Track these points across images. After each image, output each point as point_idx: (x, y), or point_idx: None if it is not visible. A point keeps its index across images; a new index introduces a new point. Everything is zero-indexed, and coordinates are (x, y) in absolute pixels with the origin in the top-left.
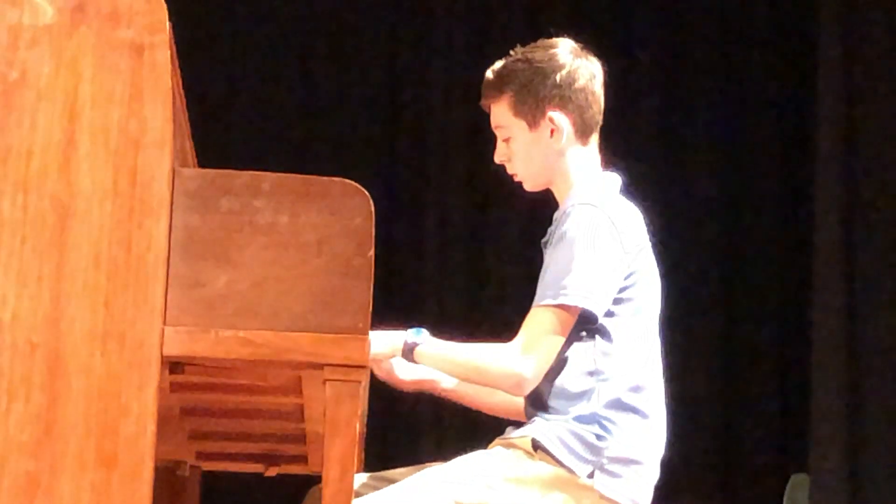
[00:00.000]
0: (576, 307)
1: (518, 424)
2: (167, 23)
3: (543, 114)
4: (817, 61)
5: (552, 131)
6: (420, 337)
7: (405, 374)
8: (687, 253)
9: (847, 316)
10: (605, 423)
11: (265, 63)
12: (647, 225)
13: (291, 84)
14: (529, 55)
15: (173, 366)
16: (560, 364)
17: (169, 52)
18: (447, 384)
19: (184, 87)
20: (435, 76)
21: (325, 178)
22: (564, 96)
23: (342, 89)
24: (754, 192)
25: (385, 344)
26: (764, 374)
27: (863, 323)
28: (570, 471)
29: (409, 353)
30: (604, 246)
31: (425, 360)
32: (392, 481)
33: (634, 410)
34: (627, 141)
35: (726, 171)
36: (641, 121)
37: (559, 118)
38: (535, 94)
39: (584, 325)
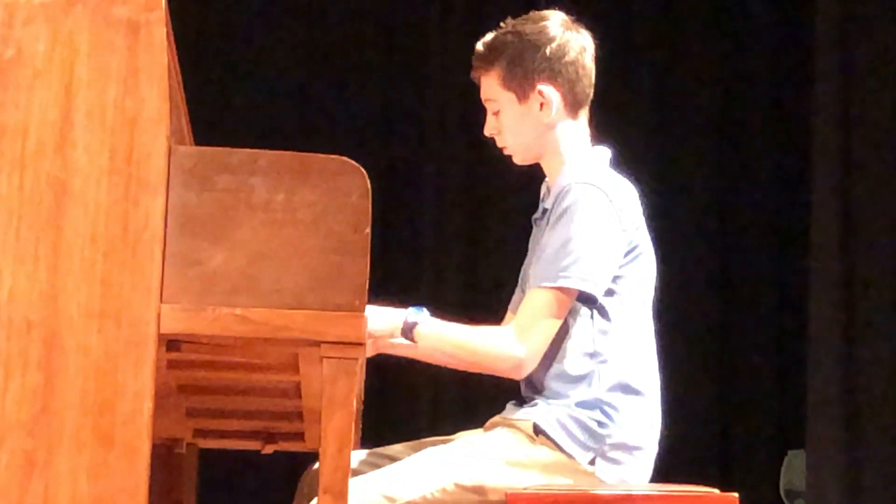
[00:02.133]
0: (574, 290)
1: (518, 401)
2: (163, 0)
3: (533, 87)
4: (815, 46)
5: (542, 105)
6: (420, 316)
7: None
8: (683, 236)
9: (844, 292)
10: (606, 408)
11: (263, 41)
12: (643, 200)
13: (289, 61)
14: (520, 28)
15: (170, 343)
16: (558, 345)
17: (165, 30)
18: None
19: (180, 65)
20: (433, 51)
21: (322, 156)
22: (554, 69)
23: (341, 65)
24: (751, 180)
25: (384, 321)
26: (760, 350)
27: (860, 300)
28: (571, 457)
29: (408, 331)
30: (603, 225)
31: (424, 339)
32: (392, 458)
33: (635, 392)
34: (621, 129)
35: (722, 158)
36: (636, 107)
37: (549, 91)
38: (525, 67)
39: (583, 305)
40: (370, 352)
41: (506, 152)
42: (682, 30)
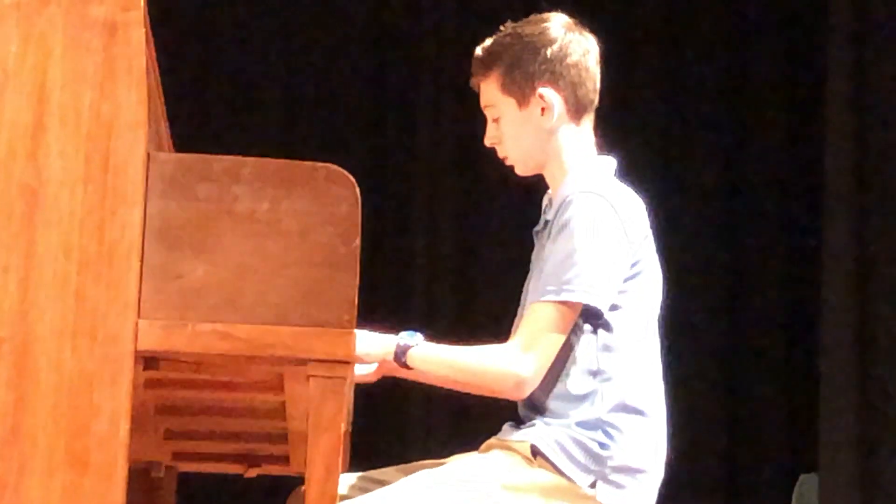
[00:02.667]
0: (578, 303)
1: (516, 422)
2: None
3: (533, 90)
4: (826, 43)
5: (543, 109)
6: (414, 339)
7: (366, 367)
8: (691, 249)
9: (857, 312)
10: (608, 429)
11: (246, 42)
12: (649, 214)
13: (273, 63)
14: (519, 30)
15: (148, 361)
16: (559, 363)
17: (143, 31)
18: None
19: (159, 67)
20: (424, 57)
21: (309, 164)
22: (556, 72)
23: (328, 67)
24: (762, 199)
25: (377, 345)
26: (770, 369)
27: (873, 319)
28: (571, 480)
29: (401, 355)
30: (607, 237)
31: (419, 363)
32: (381, 482)
33: (638, 412)
34: (626, 132)
35: (731, 162)
36: (641, 111)
37: (550, 95)
38: (525, 70)
39: (587, 320)
40: (375, 375)
41: (507, 162)
42: (689, 34)
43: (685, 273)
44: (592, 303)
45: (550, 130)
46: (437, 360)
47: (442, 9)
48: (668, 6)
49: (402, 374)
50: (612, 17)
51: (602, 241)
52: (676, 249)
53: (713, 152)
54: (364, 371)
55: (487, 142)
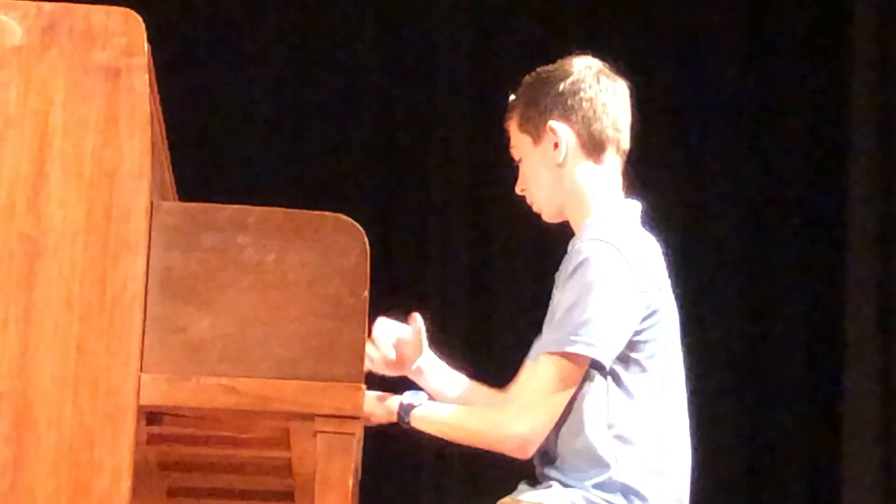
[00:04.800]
0: (583, 356)
1: (532, 480)
2: (145, 44)
3: (545, 125)
4: (852, 60)
5: (556, 144)
6: (417, 398)
7: (383, 410)
8: (709, 267)
9: (881, 356)
10: (627, 492)
11: (251, 90)
12: (666, 255)
13: (281, 110)
14: (542, 69)
15: (151, 416)
16: (573, 416)
17: (147, 76)
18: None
19: (163, 114)
20: (436, 93)
21: (316, 213)
22: (567, 105)
23: (336, 115)
24: (783, 233)
25: (379, 406)
26: (792, 414)
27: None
28: None
29: (404, 415)
30: (616, 286)
31: (421, 423)
32: None
33: (659, 473)
34: (642, 147)
35: (751, 174)
36: (657, 121)
37: (560, 128)
38: (538, 106)
39: (598, 374)
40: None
41: (535, 208)
42: (708, 74)
43: (703, 315)
44: (597, 356)
45: (563, 165)
46: (440, 422)
47: (455, 47)
48: (684, 44)
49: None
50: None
51: (609, 291)
52: (694, 282)
53: (733, 179)
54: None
55: (518, 189)
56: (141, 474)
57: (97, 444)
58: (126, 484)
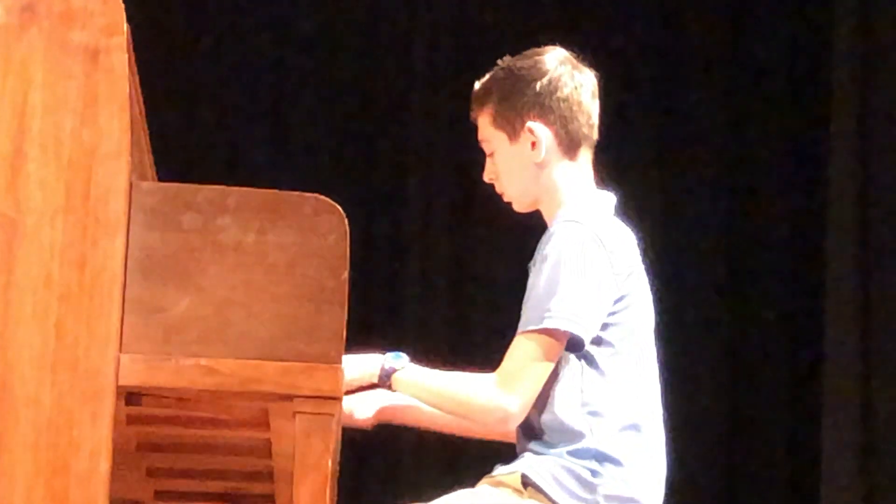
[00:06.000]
0: (562, 331)
1: (507, 461)
2: (125, 24)
3: (523, 125)
4: (831, 50)
5: (533, 144)
6: (399, 362)
7: (364, 412)
8: (690, 264)
9: (860, 351)
10: (601, 458)
11: (231, 70)
12: (641, 245)
13: (259, 90)
14: (513, 64)
15: (130, 397)
16: (548, 395)
17: (126, 56)
18: (411, 413)
19: (143, 94)
20: (416, 82)
21: (296, 194)
22: (545, 105)
23: (316, 96)
24: (763, 224)
25: (360, 369)
26: (772, 405)
27: (878, 352)
28: None
29: (385, 378)
30: (590, 266)
31: (403, 387)
32: None
33: (633, 444)
34: (623, 142)
35: (732, 166)
36: (638, 124)
37: (539, 129)
38: (514, 105)
39: (572, 352)
40: (373, 420)
41: (504, 199)
42: (687, 70)
43: (683, 304)
44: (575, 331)
45: (542, 165)
46: (422, 387)
47: (435, 31)
48: (665, 39)
49: (399, 419)
50: (607, 51)
51: (584, 271)
52: (674, 287)
53: (714, 166)
54: (362, 416)
55: (486, 177)
56: (120, 455)
57: (76, 425)
58: (105, 464)
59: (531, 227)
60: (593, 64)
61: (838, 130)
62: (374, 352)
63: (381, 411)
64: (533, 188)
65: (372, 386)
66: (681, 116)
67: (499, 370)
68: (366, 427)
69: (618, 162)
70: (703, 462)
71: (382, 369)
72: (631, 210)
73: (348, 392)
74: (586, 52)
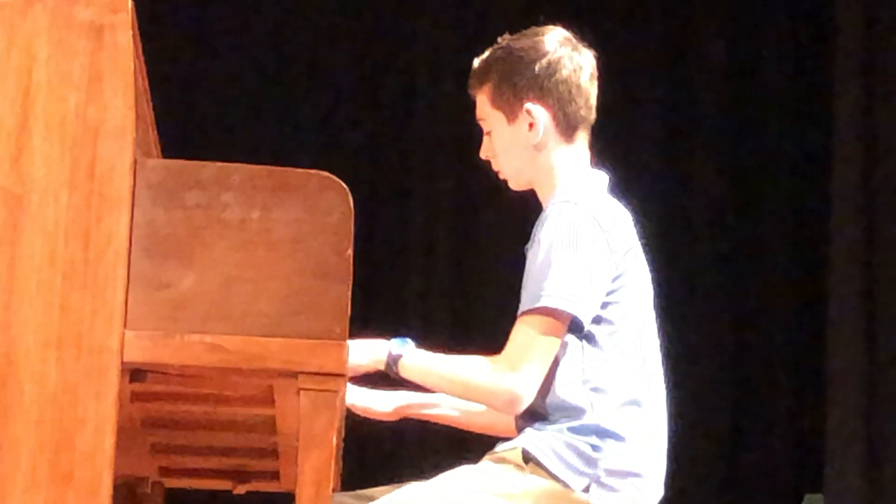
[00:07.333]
0: (561, 311)
1: (508, 439)
2: (129, 1)
3: (521, 106)
4: (835, 48)
5: (531, 125)
6: (405, 348)
7: (383, 405)
8: (692, 256)
9: (864, 328)
10: (602, 433)
11: (236, 46)
12: (640, 226)
13: (265, 69)
14: (513, 44)
15: (134, 373)
16: (550, 375)
17: (131, 33)
18: (429, 409)
19: (147, 71)
20: (421, 61)
21: (300, 171)
22: (544, 88)
23: (320, 73)
24: (768, 216)
25: (366, 355)
26: (775, 387)
27: (882, 335)
28: (565, 484)
29: (392, 364)
30: (586, 245)
31: (409, 373)
32: (373, 500)
33: (634, 419)
34: (629, 137)
35: (735, 165)
36: (644, 117)
37: (537, 111)
38: (513, 85)
39: (571, 333)
40: (394, 416)
41: (500, 177)
42: (693, 52)
43: (688, 289)
44: (572, 311)
45: (539, 146)
46: (428, 372)
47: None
48: (671, 30)
49: (420, 415)
50: (612, 35)
51: (581, 251)
52: (680, 268)
53: (718, 165)
54: (383, 409)
55: (482, 155)
56: (125, 431)
57: (81, 402)
58: (110, 441)
59: (534, 214)
60: (599, 54)
61: (843, 103)
62: (375, 332)
63: (401, 407)
64: (529, 169)
65: (378, 372)
66: (685, 97)
67: (503, 354)
68: (382, 419)
69: (623, 143)
70: (706, 439)
71: (389, 355)
72: (634, 191)
73: (354, 377)
74: (591, 41)
